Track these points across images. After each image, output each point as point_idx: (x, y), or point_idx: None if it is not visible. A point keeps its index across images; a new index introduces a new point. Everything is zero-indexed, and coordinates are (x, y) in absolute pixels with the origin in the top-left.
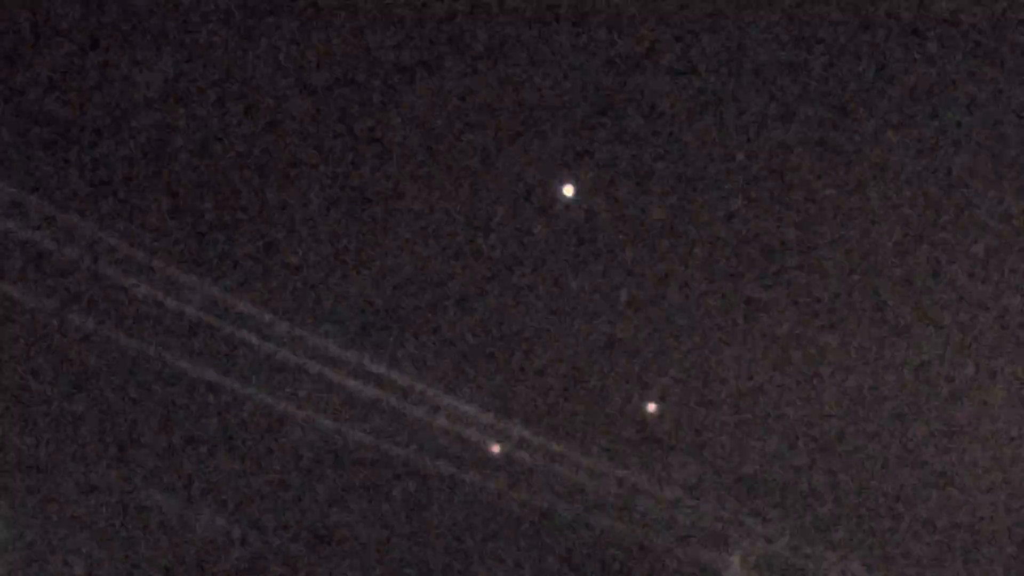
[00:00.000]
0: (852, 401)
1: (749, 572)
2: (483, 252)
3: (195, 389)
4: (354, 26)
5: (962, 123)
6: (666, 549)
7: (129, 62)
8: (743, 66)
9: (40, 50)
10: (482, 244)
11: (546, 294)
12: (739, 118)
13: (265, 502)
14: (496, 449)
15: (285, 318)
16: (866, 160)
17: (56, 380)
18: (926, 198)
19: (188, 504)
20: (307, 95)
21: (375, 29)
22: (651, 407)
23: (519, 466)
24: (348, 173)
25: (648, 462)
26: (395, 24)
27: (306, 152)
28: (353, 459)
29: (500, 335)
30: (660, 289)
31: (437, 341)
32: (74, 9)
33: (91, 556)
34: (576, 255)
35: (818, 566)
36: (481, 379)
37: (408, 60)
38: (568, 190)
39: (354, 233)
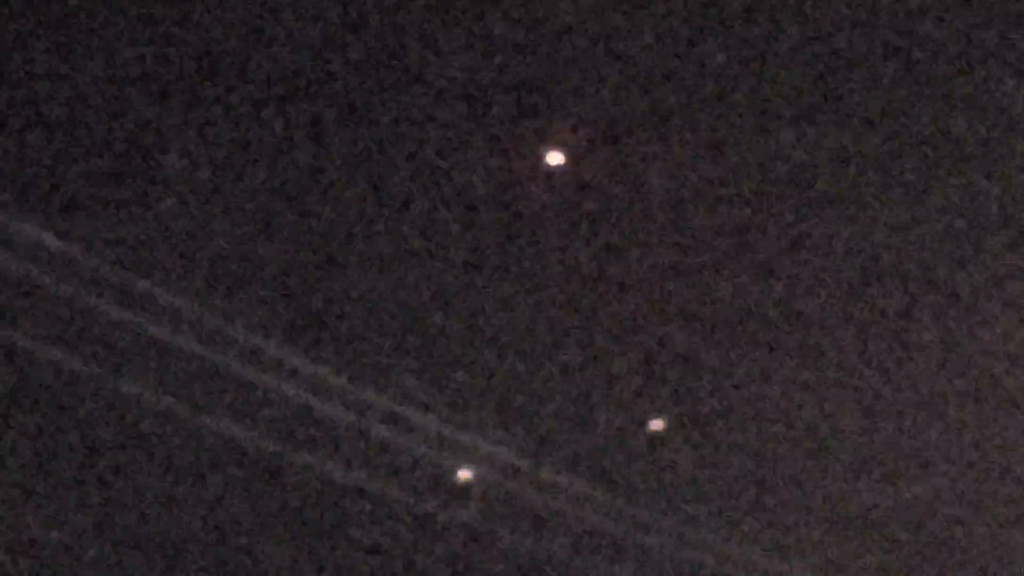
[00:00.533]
0: (899, 414)
1: None
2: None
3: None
4: None
5: None
6: None
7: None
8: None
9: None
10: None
11: (526, 286)
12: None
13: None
14: (465, 476)
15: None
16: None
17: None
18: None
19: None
20: None
21: None
22: (656, 424)
23: (494, 497)
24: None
25: (654, 491)
26: None
27: None
28: (294, 486)
29: (472, 337)
30: (663, 281)
31: (393, 344)
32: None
33: None
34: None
35: None
36: (448, 390)
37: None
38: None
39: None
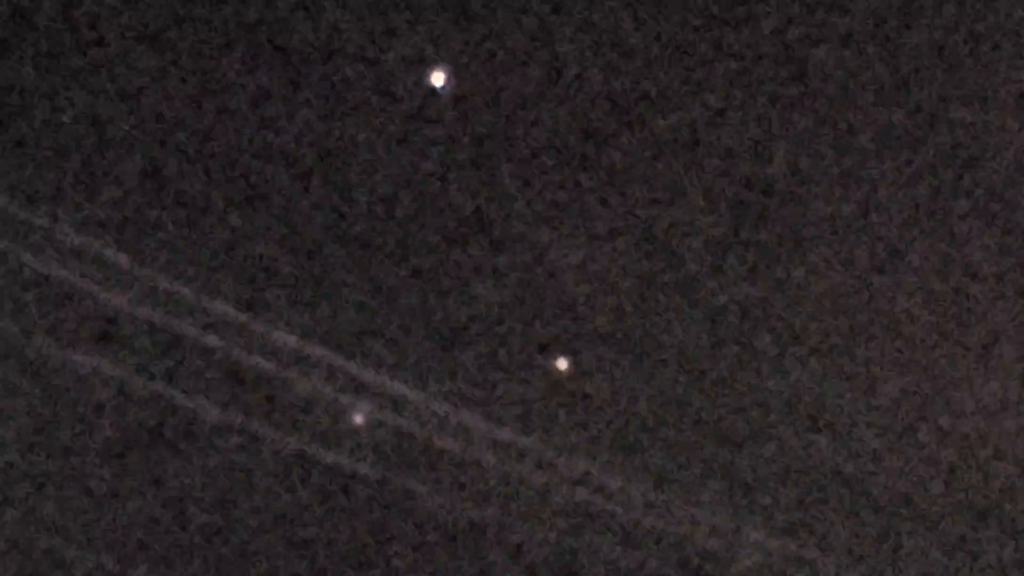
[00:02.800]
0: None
1: None
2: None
3: None
4: None
5: None
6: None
7: None
8: None
9: None
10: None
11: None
12: None
13: None
14: (360, 420)
15: None
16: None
17: None
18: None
19: None
20: None
21: None
22: (562, 363)
23: (389, 438)
24: None
25: (560, 431)
26: None
27: None
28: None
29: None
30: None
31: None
32: None
33: None
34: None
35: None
36: (334, 324)
37: None
38: (438, 78)
39: None
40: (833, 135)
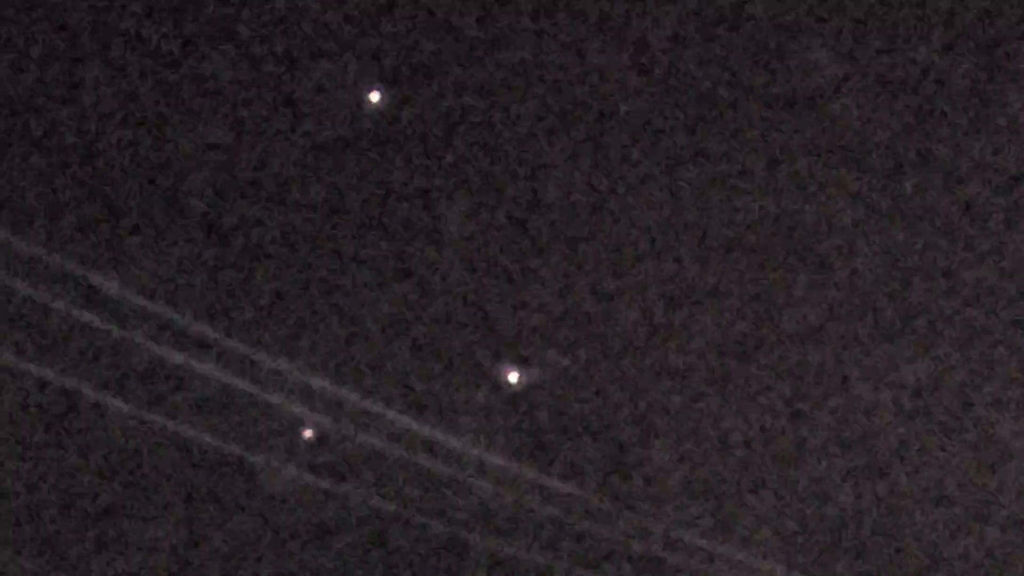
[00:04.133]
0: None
1: None
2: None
3: None
4: None
5: None
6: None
7: None
8: None
9: None
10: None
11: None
12: None
13: None
14: (308, 434)
15: None
16: None
17: None
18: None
19: None
20: None
21: None
22: (512, 375)
23: (347, 454)
24: None
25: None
26: None
27: None
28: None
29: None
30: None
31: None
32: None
33: None
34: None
35: None
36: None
37: None
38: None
39: None
40: None
